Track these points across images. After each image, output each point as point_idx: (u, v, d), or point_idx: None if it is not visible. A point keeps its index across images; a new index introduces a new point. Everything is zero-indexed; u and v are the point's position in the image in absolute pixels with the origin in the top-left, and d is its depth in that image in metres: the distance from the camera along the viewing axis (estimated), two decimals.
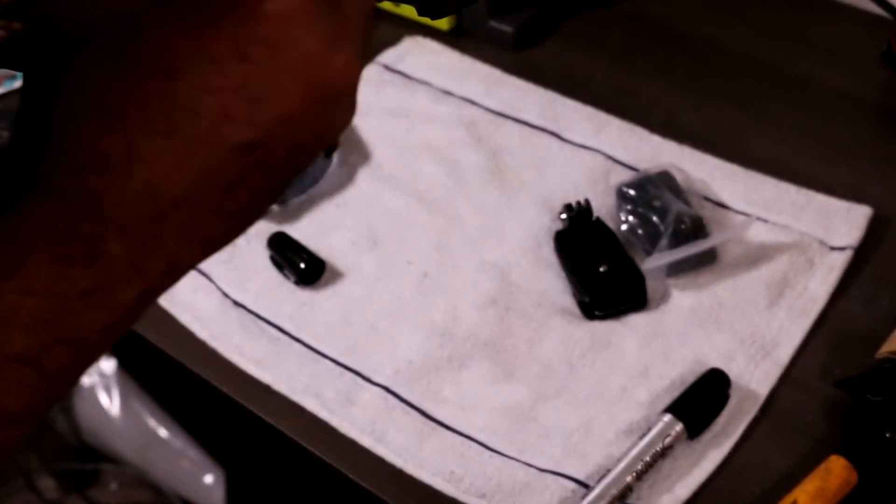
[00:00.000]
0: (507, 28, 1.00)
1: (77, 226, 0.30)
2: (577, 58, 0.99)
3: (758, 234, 0.81)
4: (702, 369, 0.72)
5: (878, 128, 0.90)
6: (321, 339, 0.78)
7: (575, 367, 0.75)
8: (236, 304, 0.81)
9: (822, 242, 0.79)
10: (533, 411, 0.72)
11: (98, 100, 0.30)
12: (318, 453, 0.73)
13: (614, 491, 0.66)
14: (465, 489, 0.69)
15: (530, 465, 0.70)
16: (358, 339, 0.78)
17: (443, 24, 1.02)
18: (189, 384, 0.80)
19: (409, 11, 1.02)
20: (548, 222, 0.84)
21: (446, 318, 0.78)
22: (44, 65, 0.31)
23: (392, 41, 1.01)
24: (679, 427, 0.68)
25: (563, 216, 0.81)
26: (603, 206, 0.83)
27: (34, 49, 0.31)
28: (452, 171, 0.89)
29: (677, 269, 0.78)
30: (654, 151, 0.88)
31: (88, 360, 0.32)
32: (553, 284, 0.80)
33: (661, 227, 0.79)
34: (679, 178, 0.83)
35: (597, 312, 0.77)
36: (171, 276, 0.33)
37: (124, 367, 1.47)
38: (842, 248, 0.79)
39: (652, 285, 0.77)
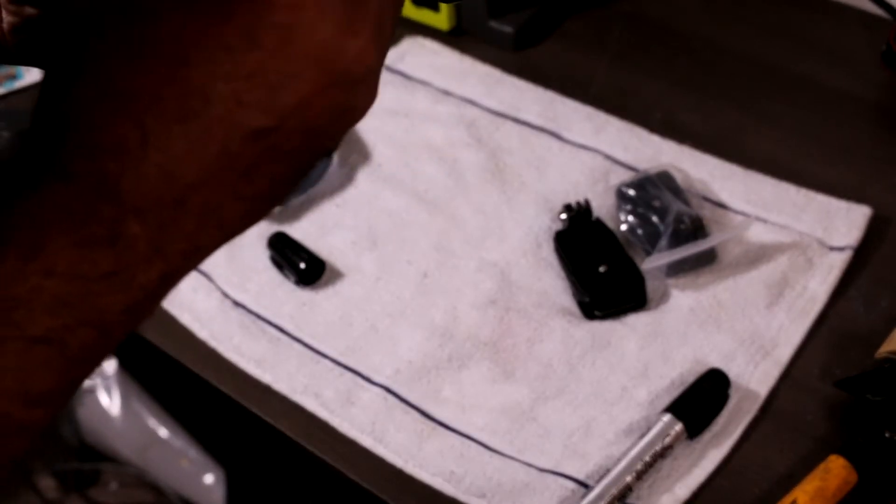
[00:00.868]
0: (507, 28, 1.00)
1: (96, 208, 0.30)
2: (577, 58, 0.99)
3: (757, 234, 0.81)
4: (701, 369, 0.72)
5: (877, 128, 0.90)
6: (321, 339, 0.78)
7: (575, 367, 0.75)
8: (236, 304, 0.81)
9: (821, 242, 0.79)
10: (533, 411, 0.72)
11: (113, 85, 0.30)
12: (318, 453, 0.73)
13: (614, 491, 0.66)
14: (465, 489, 0.69)
15: (530, 465, 0.70)
16: (358, 339, 0.78)
17: (443, 24, 1.02)
18: (189, 384, 0.80)
19: (408, 11, 1.03)
20: (548, 222, 0.84)
21: (446, 318, 0.78)
22: (63, 49, 0.31)
23: (392, 41, 1.01)
24: (679, 427, 0.68)
25: (563, 216, 0.81)
26: (603, 206, 0.83)
27: (53, 34, 0.31)
28: (452, 171, 0.89)
29: (677, 269, 0.78)
30: (654, 151, 0.88)
31: (111, 341, 0.32)
32: (553, 284, 0.80)
33: (661, 227, 0.79)
34: (679, 178, 0.83)
35: (597, 312, 0.77)
36: (192, 259, 0.33)
37: (124, 367, 1.47)
38: (841, 248, 0.79)
39: (652, 285, 0.77)
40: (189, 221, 0.32)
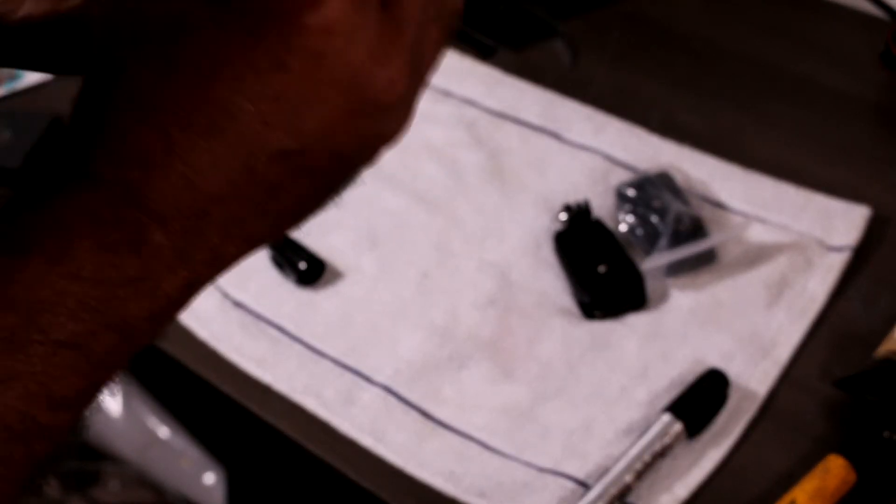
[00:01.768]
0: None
1: (121, 215, 0.31)
2: (576, 58, 0.99)
3: (757, 234, 0.81)
4: (701, 369, 0.72)
5: (877, 128, 0.90)
6: (321, 339, 0.78)
7: (575, 366, 0.75)
8: (236, 303, 0.81)
9: (821, 242, 0.79)
10: (533, 411, 0.72)
11: (142, 96, 0.31)
12: (318, 453, 0.73)
13: (614, 490, 0.66)
14: (465, 489, 0.69)
15: (530, 465, 0.70)
16: (358, 339, 0.78)
17: None
18: (189, 384, 0.80)
19: None
20: (547, 222, 0.84)
21: (446, 318, 0.78)
22: (98, 60, 0.32)
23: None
24: (678, 427, 0.68)
25: (563, 216, 0.81)
26: (602, 207, 0.83)
27: (91, 46, 0.32)
28: (452, 171, 0.89)
29: (677, 270, 0.78)
30: (654, 152, 0.88)
31: (135, 347, 0.33)
32: (553, 284, 0.80)
33: (661, 228, 0.79)
34: (678, 178, 0.83)
35: (596, 312, 0.77)
36: (216, 267, 0.34)
37: (125, 367, 1.47)
38: (841, 249, 0.79)
39: (651, 285, 0.78)
40: (213, 232, 0.32)
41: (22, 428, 0.31)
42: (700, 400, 0.70)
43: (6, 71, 1.01)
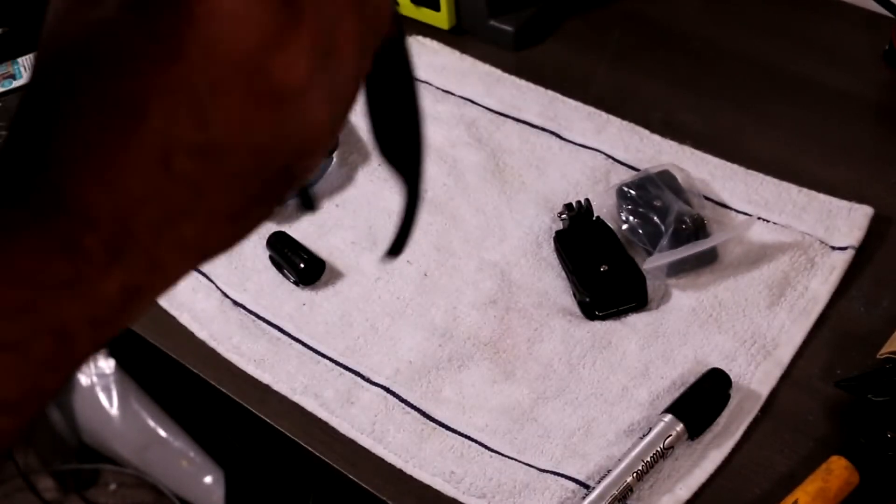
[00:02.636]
0: (507, 27, 1.00)
1: (50, 220, 0.31)
2: (577, 58, 0.99)
3: (759, 233, 0.80)
4: (702, 369, 0.72)
5: (879, 127, 0.90)
6: (321, 339, 0.78)
7: (575, 367, 0.74)
8: (236, 304, 0.81)
9: (823, 242, 0.79)
10: (533, 411, 0.72)
11: (60, 104, 0.31)
12: (318, 453, 0.73)
13: (615, 491, 0.66)
14: (465, 489, 0.69)
15: (530, 466, 0.69)
16: (358, 339, 0.78)
17: (443, 23, 1.02)
18: (189, 384, 0.80)
19: (408, 11, 1.03)
20: (548, 222, 0.84)
21: (446, 318, 0.78)
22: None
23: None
24: (680, 427, 0.68)
25: (564, 216, 0.81)
26: (603, 206, 0.83)
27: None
28: (452, 170, 0.89)
29: (678, 269, 0.78)
30: (655, 151, 0.88)
31: (77, 352, 0.32)
32: (553, 284, 0.80)
33: (662, 227, 0.79)
34: (680, 177, 0.83)
35: (597, 312, 0.77)
36: (159, 274, 0.33)
37: (124, 367, 1.47)
38: (843, 248, 0.79)
39: (652, 285, 0.77)
40: (144, 235, 0.32)
41: None
42: (701, 400, 0.70)
43: (4, 70, 1.00)
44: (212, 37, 0.31)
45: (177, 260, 0.33)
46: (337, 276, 0.82)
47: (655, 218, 0.80)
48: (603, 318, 0.77)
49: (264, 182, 0.34)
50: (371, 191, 0.88)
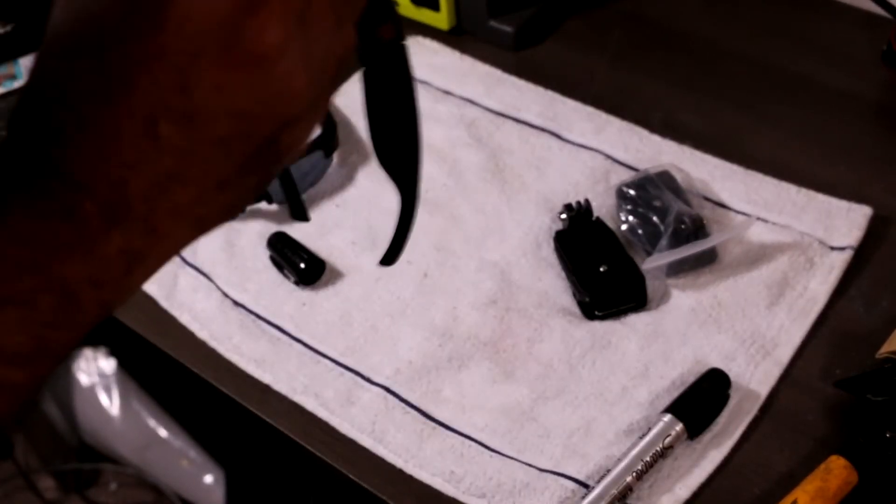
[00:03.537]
0: (507, 28, 1.00)
1: (50, 186, 0.33)
2: (577, 58, 0.99)
3: (758, 233, 0.81)
4: (702, 369, 0.72)
5: (878, 127, 0.90)
6: (321, 339, 0.78)
7: (575, 367, 0.75)
8: (236, 304, 0.81)
9: (822, 242, 0.79)
10: (533, 411, 0.72)
11: (55, 76, 0.33)
12: (318, 453, 0.73)
13: (614, 491, 0.66)
14: (465, 489, 0.69)
15: (530, 466, 0.70)
16: (358, 339, 0.78)
17: (443, 23, 1.02)
18: (189, 384, 0.80)
19: (408, 11, 1.03)
20: (548, 222, 0.84)
21: (446, 318, 0.78)
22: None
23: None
24: (679, 427, 0.68)
25: (563, 216, 0.81)
26: (603, 206, 0.83)
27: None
28: (452, 171, 0.89)
29: (677, 269, 0.78)
30: (654, 151, 0.88)
31: (83, 312, 0.34)
32: (553, 284, 0.80)
33: (662, 227, 0.79)
34: (679, 177, 0.83)
35: (597, 312, 0.77)
36: (156, 240, 0.35)
37: (124, 367, 1.47)
38: (842, 248, 0.79)
39: (652, 285, 0.77)
40: (137, 201, 0.34)
41: None
42: (701, 400, 0.70)
43: (5, 70, 1.01)
44: (187, 6, 0.32)
45: (173, 226, 0.35)
46: (337, 276, 0.82)
47: (655, 218, 0.80)
48: (603, 318, 0.77)
49: (250, 150, 0.35)
50: (371, 191, 0.88)
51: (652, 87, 0.95)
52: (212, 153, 0.34)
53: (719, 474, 0.68)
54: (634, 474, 0.67)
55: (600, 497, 0.66)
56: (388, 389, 0.75)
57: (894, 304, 0.76)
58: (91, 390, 1.47)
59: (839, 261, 0.78)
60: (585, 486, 0.68)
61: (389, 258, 0.47)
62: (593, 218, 0.82)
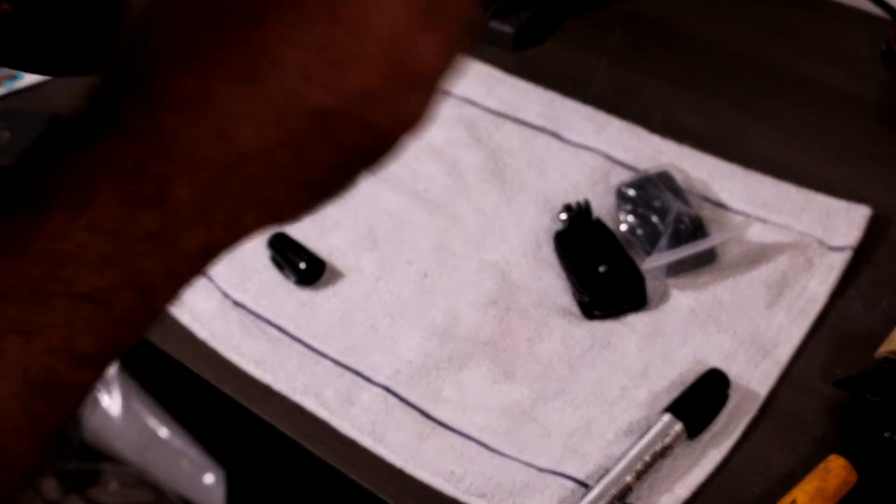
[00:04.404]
0: (507, 28, 1.00)
1: (147, 166, 0.30)
2: (577, 58, 0.99)
3: (757, 234, 0.81)
4: (701, 369, 0.72)
5: (877, 128, 0.90)
6: (321, 339, 0.78)
7: (575, 367, 0.75)
8: (236, 304, 0.81)
9: (821, 242, 0.79)
10: (533, 411, 0.72)
11: (182, 41, 0.31)
12: (318, 453, 0.73)
13: (614, 491, 0.66)
14: (465, 489, 0.69)
15: (530, 465, 0.70)
16: (358, 339, 0.78)
17: None
18: (189, 384, 0.80)
19: None
20: (548, 222, 0.84)
21: (446, 318, 0.78)
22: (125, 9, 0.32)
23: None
24: (679, 427, 0.68)
25: (563, 216, 0.81)
26: (603, 206, 0.83)
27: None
28: (452, 171, 0.89)
29: (677, 269, 0.78)
30: (654, 151, 0.88)
31: (153, 306, 0.32)
32: (553, 284, 0.80)
33: (661, 227, 0.79)
34: (679, 178, 0.83)
35: (597, 312, 0.77)
36: (234, 233, 0.33)
37: (124, 367, 1.47)
38: (841, 248, 0.79)
39: (652, 285, 0.77)
40: (235, 192, 0.32)
41: (45, 382, 0.30)
42: (700, 400, 0.70)
43: (5, 71, 1.01)
44: (369, 4, 0.31)
45: (254, 221, 0.33)
46: (337, 276, 0.82)
47: (654, 218, 0.80)
48: (602, 318, 0.77)
49: (361, 161, 0.34)
50: (371, 191, 0.88)
51: (652, 87, 0.95)
52: (328, 155, 0.33)
53: (719, 474, 0.68)
54: (634, 474, 0.67)
55: (600, 497, 0.66)
56: (388, 389, 0.75)
57: (894, 304, 0.76)
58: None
59: (839, 261, 0.78)
60: (585, 485, 0.68)
61: None
62: (593, 218, 0.82)
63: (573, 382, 0.74)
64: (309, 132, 0.32)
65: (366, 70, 0.31)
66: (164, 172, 0.30)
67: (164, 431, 1.45)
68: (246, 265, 0.84)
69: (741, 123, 0.91)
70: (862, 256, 0.79)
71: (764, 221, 0.81)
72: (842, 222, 0.80)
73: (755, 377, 0.72)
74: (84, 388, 0.32)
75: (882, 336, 0.72)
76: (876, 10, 0.92)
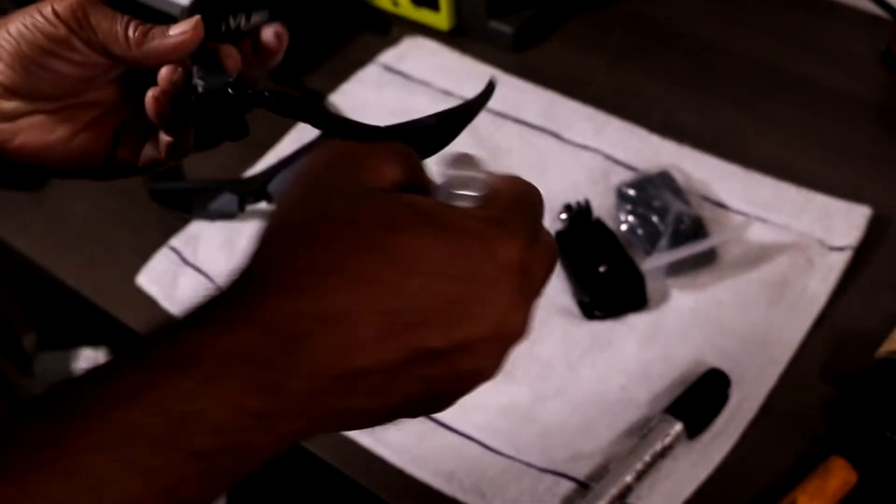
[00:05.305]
0: (507, 28, 1.00)
1: (274, 359, 0.34)
2: (577, 58, 0.99)
3: (757, 234, 0.81)
4: (701, 369, 0.72)
5: (877, 128, 0.90)
6: None
7: (575, 367, 0.75)
8: None
9: (821, 242, 0.79)
10: (533, 411, 0.72)
11: (336, 259, 0.36)
12: (318, 453, 0.73)
13: (614, 491, 0.66)
14: (465, 489, 0.69)
15: (530, 465, 0.70)
16: None
17: (443, 24, 1.02)
18: None
19: (408, 11, 1.03)
20: (548, 222, 0.83)
21: None
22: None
23: (392, 41, 1.01)
24: (679, 427, 0.68)
25: (563, 216, 0.81)
26: (603, 206, 0.83)
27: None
28: None
29: (677, 269, 0.78)
30: (654, 151, 0.88)
31: (243, 473, 0.36)
32: (553, 284, 0.80)
33: (661, 227, 0.79)
34: (679, 178, 0.83)
35: (597, 312, 0.77)
36: (318, 429, 0.37)
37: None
38: (841, 248, 0.79)
39: (652, 285, 0.77)
40: (337, 396, 0.36)
41: None
42: (701, 400, 0.70)
43: None
44: (496, 280, 0.38)
45: (336, 424, 0.37)
46: None
47: (654, 218, 0.80)
48: (602, 318, 0.77)
49: (438, 396, 0.39)
50: None
51: (651, 87, 0.95)
52: (411, 387, 0.37)
53: (719, 474, 0.68)
54: (634, 474, 0.67)
55: (600, 497, 0.66)
56: None
57: (894, 304, 0.76)
58: None
59: (838, 261, 0.78)
60: (585, 485, 0.68)
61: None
62: (593, 218, 0.82)
63: (573, 382, 0.74)
64: (411, 364, 0.36)
65: (474, 328, 0.37)
66: (289, 367, 0.34)
67: None
68: None
69: (741, 123, 0.91)
70: (862, 256, 0.79)
71: (764, 221, 0.81)
72: (842, 222, 0.80)
73: (755, 377, 0.72)
74: None
75: (882, 336, 0.72)
76: (876, 10, 0.93)
